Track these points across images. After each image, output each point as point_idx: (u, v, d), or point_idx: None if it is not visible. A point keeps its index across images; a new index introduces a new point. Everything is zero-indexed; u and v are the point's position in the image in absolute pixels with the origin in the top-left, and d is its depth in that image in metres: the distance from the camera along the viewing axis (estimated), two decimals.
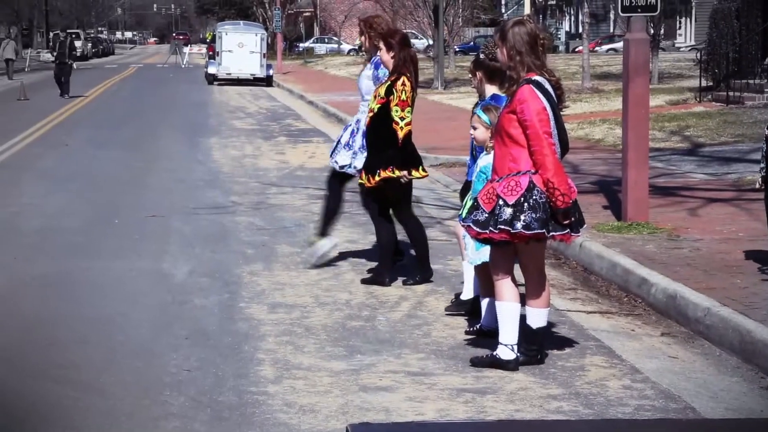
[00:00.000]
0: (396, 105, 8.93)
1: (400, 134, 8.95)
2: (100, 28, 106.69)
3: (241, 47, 43.13)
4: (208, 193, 14.44)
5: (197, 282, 9.35)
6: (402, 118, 8.92)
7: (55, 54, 35.39)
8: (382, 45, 9.07)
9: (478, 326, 7.67)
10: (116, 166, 17.52)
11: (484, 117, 7.54)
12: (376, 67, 9.47)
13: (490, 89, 7.87)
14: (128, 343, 7.55)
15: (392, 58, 8.98)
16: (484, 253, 7.45)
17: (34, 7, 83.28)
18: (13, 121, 25.43)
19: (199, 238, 11.31)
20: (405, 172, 9.01)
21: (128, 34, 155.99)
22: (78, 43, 73.00)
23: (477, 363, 6.92)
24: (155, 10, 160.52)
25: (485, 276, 7.64)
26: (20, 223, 12.13)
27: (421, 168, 9.24)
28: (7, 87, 40.27)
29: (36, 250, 10.49)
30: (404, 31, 9.40)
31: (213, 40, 48.64)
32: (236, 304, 8.62)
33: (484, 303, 7.65)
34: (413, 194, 9.53)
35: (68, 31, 45.48)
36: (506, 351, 6.85)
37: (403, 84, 8.92)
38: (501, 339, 6.89)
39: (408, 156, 9.07)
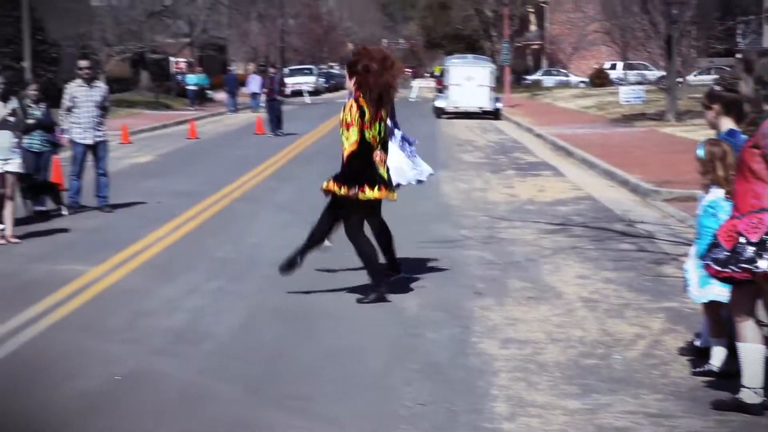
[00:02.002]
0: (342, 127, 9.63)
1: (344, 153, 9.62)
2: (331, 64, 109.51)
3: (469, 80, 43.31)
4: (436, 227, 14.51)
5: (429, 315, 9.39)
6: (346, 138, 9.55)
7: (265, 91, 36.01)
8: (346, 73, 9.81)
9: (706, 367, 7.42)
10: None
11: (699, 151, 7.37)
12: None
13: (726, 123, 7.54)
14: (361, 374, 7.64)
15: (353, 84, 9.67)
16: (709, 291, 7.20)
17: (270, 44, 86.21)
18: (250, 155, 26.35)
19: (429, 271, 11.37)
20: (353, 191, 9.60)
21: None
22: (311, 78, 75.39)
23: (719, 406, 6.67)
24: (384, 44, 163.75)
25: (713, 314, 7.39)
26: (259, 254, 12.50)
27: (376, 188, 9.68)
28: (249, 120, 41.77)
29: (274, 282, 10.77)
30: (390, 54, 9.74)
31: (441, 74, 49.09)
32: (468, 338, 8.61)
33: (715, 344, 7.40)
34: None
35: (278, 66, 46.60)
36: (750, 394, 6.58)
37: (350, 107, 9.52)
38: (744, 382, 6.62)
39: (355, 174, 9.61)
